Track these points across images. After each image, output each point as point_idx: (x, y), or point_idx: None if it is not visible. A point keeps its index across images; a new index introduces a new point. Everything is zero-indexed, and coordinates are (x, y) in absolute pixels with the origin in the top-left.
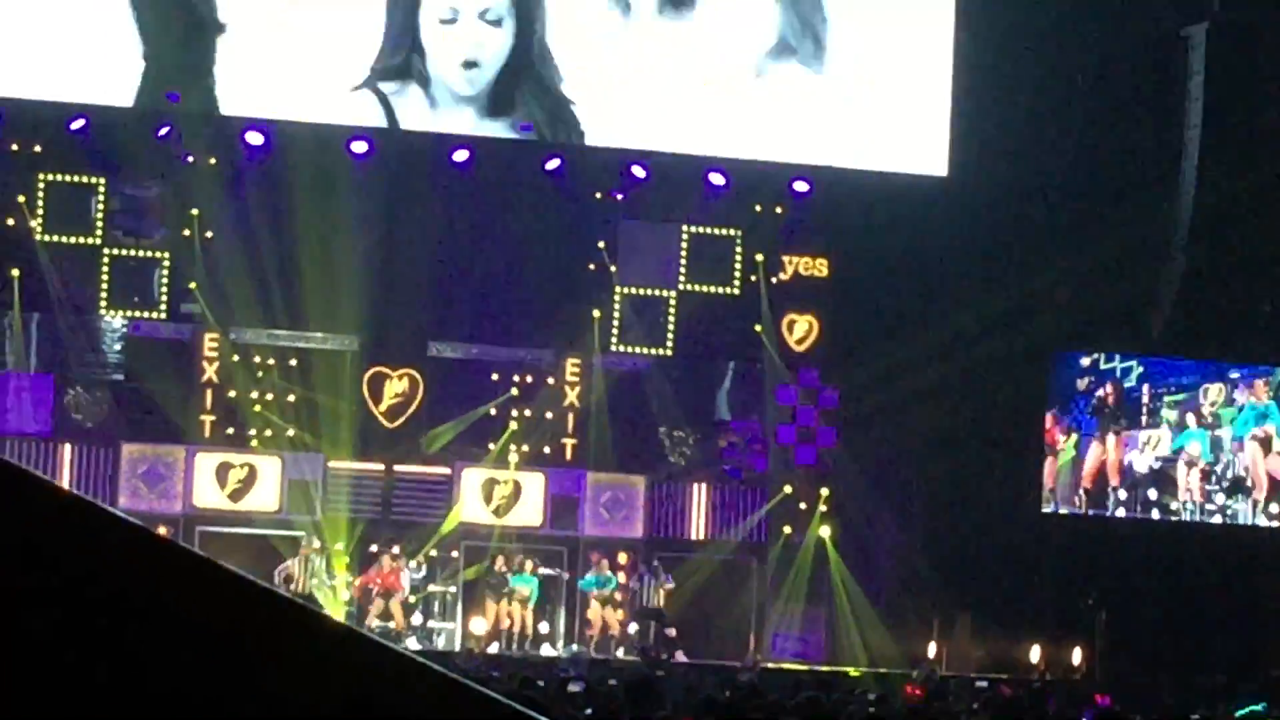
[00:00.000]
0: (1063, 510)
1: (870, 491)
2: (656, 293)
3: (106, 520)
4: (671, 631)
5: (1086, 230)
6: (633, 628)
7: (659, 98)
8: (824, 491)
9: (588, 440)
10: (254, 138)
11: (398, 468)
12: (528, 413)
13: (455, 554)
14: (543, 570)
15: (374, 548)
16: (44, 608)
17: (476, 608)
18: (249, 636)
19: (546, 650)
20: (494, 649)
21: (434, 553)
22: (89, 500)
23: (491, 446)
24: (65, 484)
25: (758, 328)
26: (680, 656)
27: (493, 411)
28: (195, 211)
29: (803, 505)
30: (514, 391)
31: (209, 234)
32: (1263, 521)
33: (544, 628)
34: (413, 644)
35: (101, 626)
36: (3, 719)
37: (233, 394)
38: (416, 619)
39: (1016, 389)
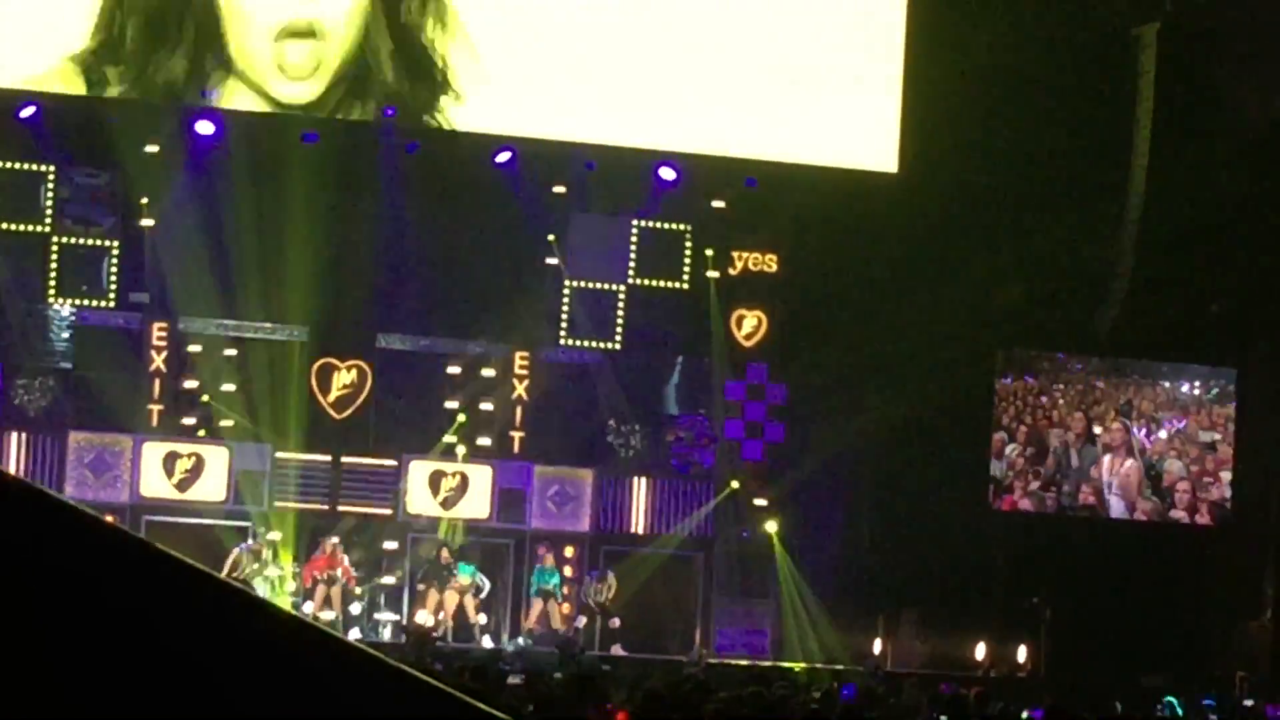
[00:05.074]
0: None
1: (817, 488)
2: (606, 286)
3: (55, 507)
4: (615, 622)
5: (1036, 228)
6: (581, 620)
7: (612, 90)
8: (771, 488)
9: (536, 433)
10: (204, 127)
11: (345, 459)
12: (483, 406)
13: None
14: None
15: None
16: None
17: (421, 598)
18: (196, 624)
19: (488, 643)
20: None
21: (386, 544)
22: (38, 487)
23: (448, 439)
24: (11, 472)
25: (707, 322)
26: (618, 650)
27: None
28: (145, 201)
29: (750, 501)
30: (460, 384)
31: (158, 223)
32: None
33: (485, 620)
34: (355, 634)
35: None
36: None
37: (180, 384)
38: (360, 610)
39: (965, 386)
